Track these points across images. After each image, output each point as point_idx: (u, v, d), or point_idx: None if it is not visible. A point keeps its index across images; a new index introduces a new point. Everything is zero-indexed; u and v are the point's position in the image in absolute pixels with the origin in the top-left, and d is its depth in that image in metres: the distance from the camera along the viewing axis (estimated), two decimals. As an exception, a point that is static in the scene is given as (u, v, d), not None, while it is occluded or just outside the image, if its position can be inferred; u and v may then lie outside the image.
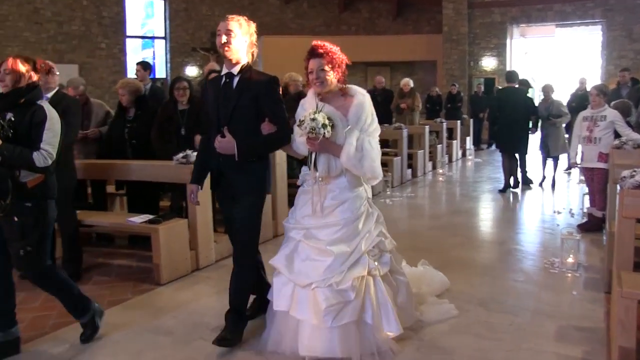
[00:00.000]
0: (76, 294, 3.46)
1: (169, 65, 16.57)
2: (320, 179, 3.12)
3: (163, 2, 16.32)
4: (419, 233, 6.19)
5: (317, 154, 3.10)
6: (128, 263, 5.20)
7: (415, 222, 6.91)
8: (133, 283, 4.59)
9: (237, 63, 3.27)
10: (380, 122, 10.55)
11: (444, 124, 11.84)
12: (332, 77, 3.08)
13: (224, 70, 3.34)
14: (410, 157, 10.14)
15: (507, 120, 8.35)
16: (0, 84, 3.21)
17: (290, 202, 6.66)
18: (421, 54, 17.21)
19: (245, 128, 3.27)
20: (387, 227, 3.36)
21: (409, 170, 9.98)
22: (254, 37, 3.34)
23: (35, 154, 3.09)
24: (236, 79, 3.29)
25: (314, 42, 3.16)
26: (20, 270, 3.40)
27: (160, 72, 16.73)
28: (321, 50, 3.09)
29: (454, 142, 12.71)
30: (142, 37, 16.69)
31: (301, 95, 8.02)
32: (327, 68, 3.06)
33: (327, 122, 2.95)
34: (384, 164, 9.33)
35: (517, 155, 8.49)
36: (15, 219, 3.16)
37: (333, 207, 3.10)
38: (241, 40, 3.25)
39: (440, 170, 10.91)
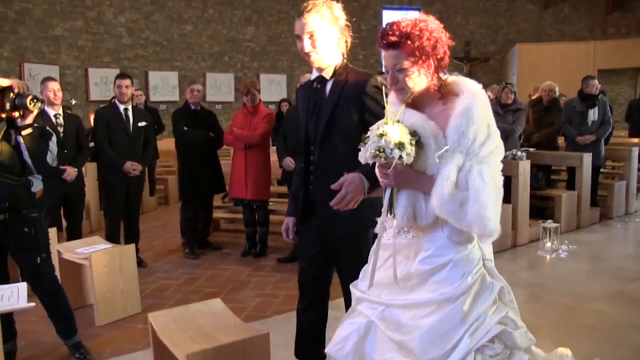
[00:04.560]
0: (69, 312, 3.48)
1: (419, 74, 17.03)
2: (405, 229, 1.99)
3: (418, 14, 16.83)
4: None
5: (393, 190, 1.94)
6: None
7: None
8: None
9: (329, 65, 2.51)
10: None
11: None
12: (418, 76, 1.88)
13: (314, 74, 2.58)
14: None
15: None
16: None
17: (532, 214, 6.55)
18: None
19: (343, 148, 2.43)
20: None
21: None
22: (342, 20, 2.49)
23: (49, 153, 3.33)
24: (329, 85, 2.51)
25: (387, 23, 1.92)
26: (34, 280, 3.33)
27: (412, 80, 17.31)
28: (394, 38, 1.85)
29: None
30: (396, 48, 17.45)
31: (552, 105, 7.66)
32: (407, 64, 1.86)
33: (405, 139, 1.80)
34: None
35: None
36: (26, 229, 3.21)
37: (424, 275, 1.91)
38: (329, 36, 2.43)
39: None
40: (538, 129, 7.85)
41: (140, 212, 5.92)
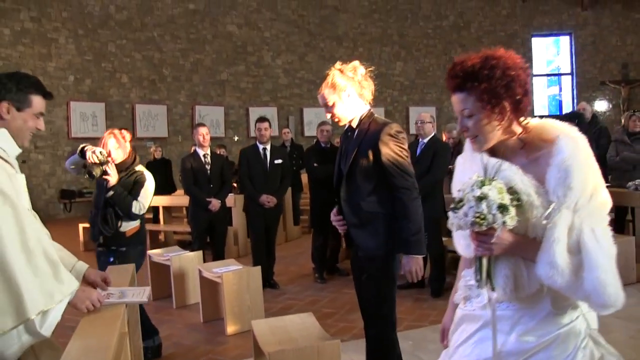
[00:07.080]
0: (146, 322, 3.98)
1: (575, 100, 16.37)
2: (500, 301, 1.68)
3: (569, 38, 16.29)
4: None
5: (491, 258, 1.62)
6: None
7: None
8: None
9: (354, 117, 2.96)
10: None
11: None
12: (488, 123, 1.63)
13: (347, 125, 3.05)
14: None
15: None
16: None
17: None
18: None
19: (364, 185, 2.89)
20: None
21: None
22: (357, 77, 2.88)
23: (134, 202, 3.94)
24: (356, 132, 2.96)
25: (453, 61, 1.70)
26: None
27: (567, 107, 16.70)
28: (457, 79, 1.64)
29: None
30: (548, 75, 16.96)
31: None
32: (475, 108, 1.63)
33: (506, 200, 1.51)
34: None
35: None
36: (111, 259, 3.92)
37: (524, 354, 1.62)
38: (344, 99, 2.87)
39: None
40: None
41: (276, 239, 6.62)
